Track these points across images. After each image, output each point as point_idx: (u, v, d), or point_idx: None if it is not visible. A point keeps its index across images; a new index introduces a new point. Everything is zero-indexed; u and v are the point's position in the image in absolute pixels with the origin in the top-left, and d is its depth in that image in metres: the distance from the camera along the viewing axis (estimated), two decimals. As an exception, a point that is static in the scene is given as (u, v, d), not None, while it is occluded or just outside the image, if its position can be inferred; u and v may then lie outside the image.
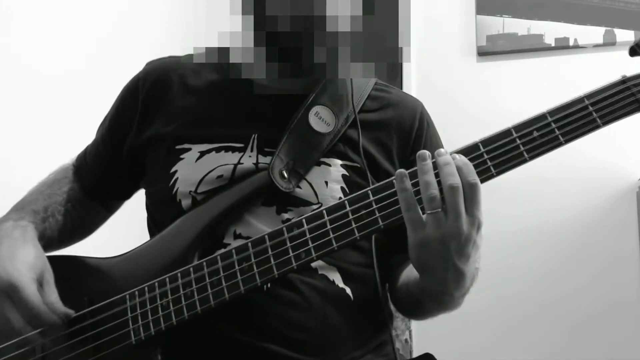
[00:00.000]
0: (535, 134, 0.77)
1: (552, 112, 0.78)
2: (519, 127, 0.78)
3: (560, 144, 0.77)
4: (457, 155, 0.76)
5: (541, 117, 0.78)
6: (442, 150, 0.76)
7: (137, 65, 1.01)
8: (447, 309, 0.91)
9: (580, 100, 0.78)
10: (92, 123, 1.07)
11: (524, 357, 2.20)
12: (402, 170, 0.76)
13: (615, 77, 0.81)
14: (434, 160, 0.76)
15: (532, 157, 0.77)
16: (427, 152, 0.76)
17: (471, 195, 0.74)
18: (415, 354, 0.90)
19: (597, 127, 0.77)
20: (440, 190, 0.74)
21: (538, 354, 2.20)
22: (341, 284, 0.88)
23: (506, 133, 0.78)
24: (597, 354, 2.14)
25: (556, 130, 0.77)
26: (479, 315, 2.21)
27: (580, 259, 2.21)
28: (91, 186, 1.04)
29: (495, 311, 2.25)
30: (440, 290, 0.83)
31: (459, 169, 0.74)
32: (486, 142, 0.78)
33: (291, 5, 0.83)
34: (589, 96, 0.78)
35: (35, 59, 1.54)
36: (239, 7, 0.88)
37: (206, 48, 0.99)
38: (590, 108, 0.77)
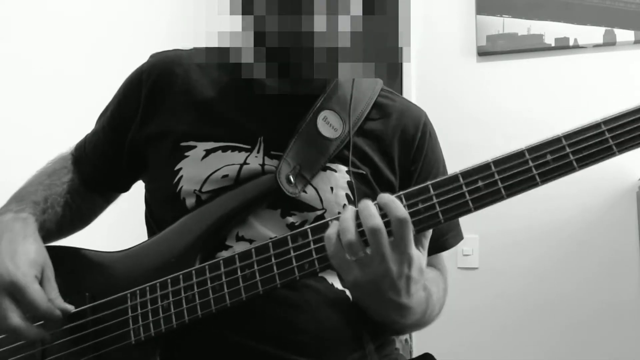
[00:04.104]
0: (549, 157, 0.74)
1: (567, 136, 0.75)
2: (532, 150, 0.75)
3: (573, 170, 0.74)
4: (383, 195, 0.75)
5: (556, 141, 0.75)
6: (365, 199, 0.76)
7: (137, 65, 1.01)
8: (413, 330, 0.92)
9: (597, 125, 0.74)
10: (92, 123, 1.07)
11: (524, 357, 2.20)
12: (329, 220, 0.77)
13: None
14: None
15: (544, 182, 0.74)
16: (350, 205, 0.77)
17: (400, 232, 0.73)
18: (415, 354, 0.90)
19: (613, 154, 0.73)
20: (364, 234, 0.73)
21: (538, 353, 2.20)
22: (340, 287, 0.88)
23: (519, 155, 0.75)
24: (596, 354, 2.14)
25: (570, 155, 0.74)
26: (478, 315, 2.21)
27: (580, 259, 2.21)
28: (90, 177, 1.03)
29: (495, 311, 2.25)
30: (386, 321, 0.84)
31: (385, 206, 0.73)
32: (498, 162, 0.76)
33: (291, 6, 0.83)
34: (606, 122, 0.74)
35: (35, 59, 1.54)
36: (239, 7, 0.88)
37: (206, 48, 0.98)
38: (607, 134, 0.73)
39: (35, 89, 1.53)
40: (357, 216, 0.75)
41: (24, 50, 1.51)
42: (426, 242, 0.79)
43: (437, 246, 0.96)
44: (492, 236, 2.28)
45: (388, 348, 0.94)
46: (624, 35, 2.25)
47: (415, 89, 2.41)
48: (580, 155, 0.74)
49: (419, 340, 2.23)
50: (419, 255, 0.76)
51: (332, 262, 0.76)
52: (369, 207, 0.74)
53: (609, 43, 2.27)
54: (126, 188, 1.07)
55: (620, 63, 2.24)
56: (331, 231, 0.75)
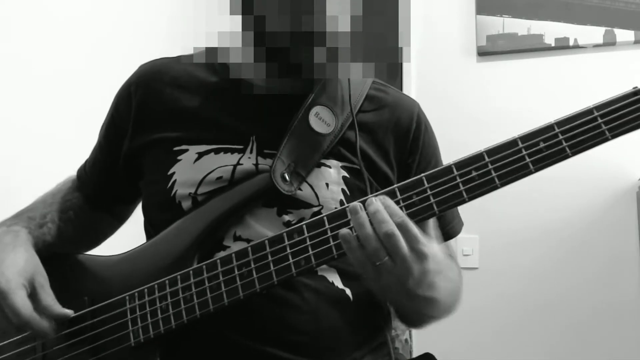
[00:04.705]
0: (542, 144, 0.75)
1: (560, 123, 0.75)
2: (525, 138, 0.76)
3: (567, 156, 0.74)
4: (373, 199, 0.75)
5: (548, 128, 0.75)
6: (371, 199, 0.75)
7: (137, 65, 1.01)
8: (436, 320, 0.91)
9: (589, 111, 0.75)
10: (92, 123, 1.07)
11: (524, 357, 2.20)
12: (348, 231, 0.74)
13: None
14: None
15: (537, 169, 0.75)
16: (358, 205, 0.74)
17: (405, 233, 0.73)
18: (415, 354, 0.90)
19: (606, 139, 0.74)
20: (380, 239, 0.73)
21: (538, 353, 2.20)
22: (340, 285, 0.88)
23: (512, 143, 0.76)
24: (596, 354, 2.14)
25: (563, 141, 0.74)
26: (479, 315, 2.21)
27: (580, 259, 2.21)
28: (92, 195, 1.04)
29: (495, 311, 2.25)
30: (415, 313, 0.85)
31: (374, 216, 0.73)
32: (491, 152, 0.76)
33: (291, 6, 0.83)
34: (598, 107, 0.75)
35: (35, 59, 1.54)
36: (239, 7, 0.88)
37: (206, 48, 0.98)
38: (599, 120, 0.74)
39: (35, 89, 1.53)
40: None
41: (24, 50, 1.51)
42: (428, 229, 0.79)
43: (445, 234, 0.98)
44: (492, 236, 2.27)
45: (388, 348, 0.94)
46: (624, 35, 2.25)
47: (415, 89, 2.41)
48: (574, 141, 0.74)
49: (419, 340, 2.23)
50: (434, 252, 0.76)
51: (360, 271, 0.76)
52: (380, 211, 0.73)
53: (609, 43, 2.27)
54: (131, 200, 1.06)
55: (620, 63, 2.24)
56: (355, 250, 0.74)
